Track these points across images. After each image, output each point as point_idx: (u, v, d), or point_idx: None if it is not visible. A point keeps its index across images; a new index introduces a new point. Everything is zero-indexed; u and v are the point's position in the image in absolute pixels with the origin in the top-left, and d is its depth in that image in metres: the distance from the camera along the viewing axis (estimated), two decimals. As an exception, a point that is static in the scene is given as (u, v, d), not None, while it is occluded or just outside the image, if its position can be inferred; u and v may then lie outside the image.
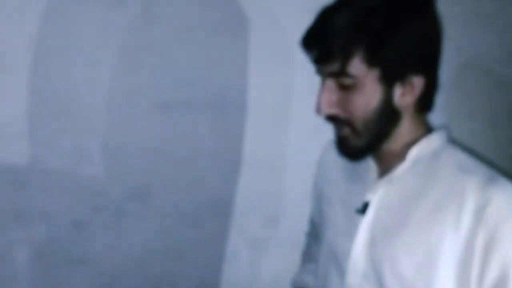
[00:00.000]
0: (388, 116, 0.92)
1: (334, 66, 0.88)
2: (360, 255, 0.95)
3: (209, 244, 1.65)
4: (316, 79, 0.95)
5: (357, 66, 0.87)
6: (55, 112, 1.47)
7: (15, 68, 1.43)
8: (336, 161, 1.05)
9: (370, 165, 0.99)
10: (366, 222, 0.95)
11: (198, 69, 1.55)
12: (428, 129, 0.96)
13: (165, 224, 1.60)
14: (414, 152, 0.93)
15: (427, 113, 0.97)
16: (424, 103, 0.94)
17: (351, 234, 0.97)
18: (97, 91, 1.49)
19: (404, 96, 0.91)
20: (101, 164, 1.52)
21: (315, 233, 1.18)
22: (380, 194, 0.95)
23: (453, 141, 0.97)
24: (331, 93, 0.91)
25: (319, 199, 1.13)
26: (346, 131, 0.92)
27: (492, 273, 0.83)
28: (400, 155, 0.94)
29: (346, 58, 0.87)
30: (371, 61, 0.87)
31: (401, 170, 0.94)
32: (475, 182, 0.87)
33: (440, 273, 0.86)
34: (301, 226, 1.28)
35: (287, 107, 1.64)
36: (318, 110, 0.92)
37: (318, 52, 0.90)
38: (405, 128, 0.94)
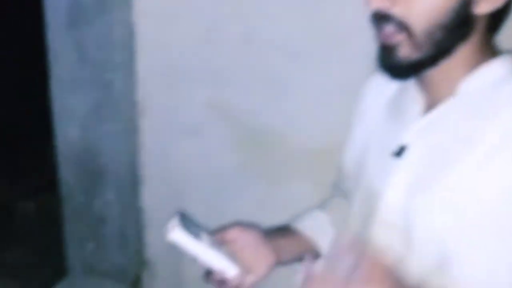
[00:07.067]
0: (459, 27, 0.71)
1: None
2: (392, 204, 0.79)
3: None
4: None
5: None
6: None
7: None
8: (380, 95, 0.89)
9: (415, 97, 0.82)
10: (401, 168, 0.79)
11: None
12: (493, 55, 0.75)
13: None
14: (467, 84, 0.74)
15: (494, 35, 0.76)
16: (499, 19, 0.74)
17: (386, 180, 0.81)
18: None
19: (484, 2, 0.70)
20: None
21: (341, 185, 1.02)
22: (421, 135, 0.78)
23: None
24: None
25: (355, 143, 0.95)
26: (400, 37, 0.71)
27: None
28: (452, 85, 0.75)
29: None
30: None
31: (448, 106, 0.75)
32: None
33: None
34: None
35: None
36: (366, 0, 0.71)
37: None
38: (470, 47, 0.73)
